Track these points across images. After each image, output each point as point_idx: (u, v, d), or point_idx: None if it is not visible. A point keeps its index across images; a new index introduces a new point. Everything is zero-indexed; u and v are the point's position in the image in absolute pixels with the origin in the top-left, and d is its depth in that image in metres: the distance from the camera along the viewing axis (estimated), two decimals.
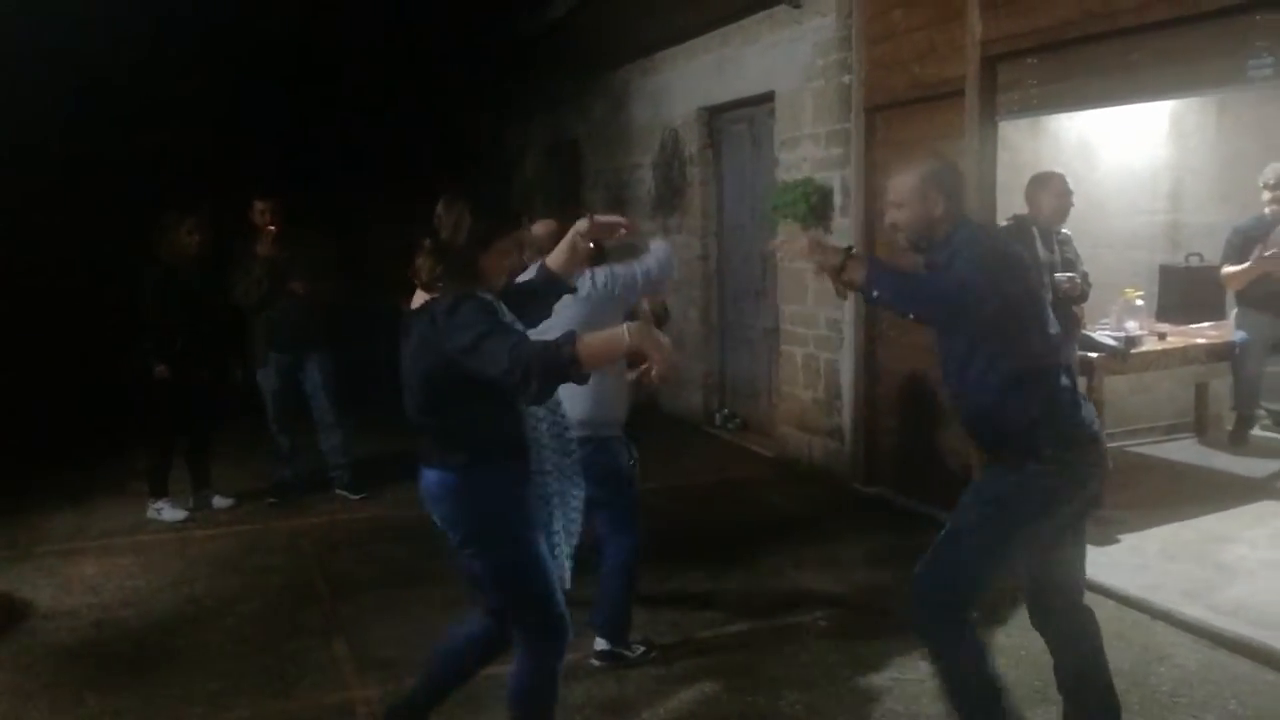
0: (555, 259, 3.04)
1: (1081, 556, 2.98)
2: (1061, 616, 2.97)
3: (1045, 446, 2.73)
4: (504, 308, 2.71)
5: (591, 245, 3.07)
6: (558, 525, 2.86)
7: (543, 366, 2.36)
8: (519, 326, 2.67)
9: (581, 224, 3.04)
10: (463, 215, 2.67)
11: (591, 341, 2.39)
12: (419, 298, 2.73)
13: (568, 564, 2.90)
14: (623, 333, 2.41)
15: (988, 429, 2.86)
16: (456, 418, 2.68)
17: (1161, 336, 5.69)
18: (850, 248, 2.87)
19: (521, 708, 2.84)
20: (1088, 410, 2.85)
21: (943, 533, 2.88)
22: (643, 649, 3.84)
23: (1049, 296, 4.79)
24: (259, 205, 5.94)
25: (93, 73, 8.83)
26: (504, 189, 10.30)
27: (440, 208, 2.72)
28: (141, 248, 5.72)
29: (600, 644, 3.78)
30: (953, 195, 2.82)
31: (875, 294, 2.73)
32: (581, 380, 2.46)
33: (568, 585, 2.90)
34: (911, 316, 2.95)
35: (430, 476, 2.74)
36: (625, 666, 3.76)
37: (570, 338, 2.38)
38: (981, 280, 2.66)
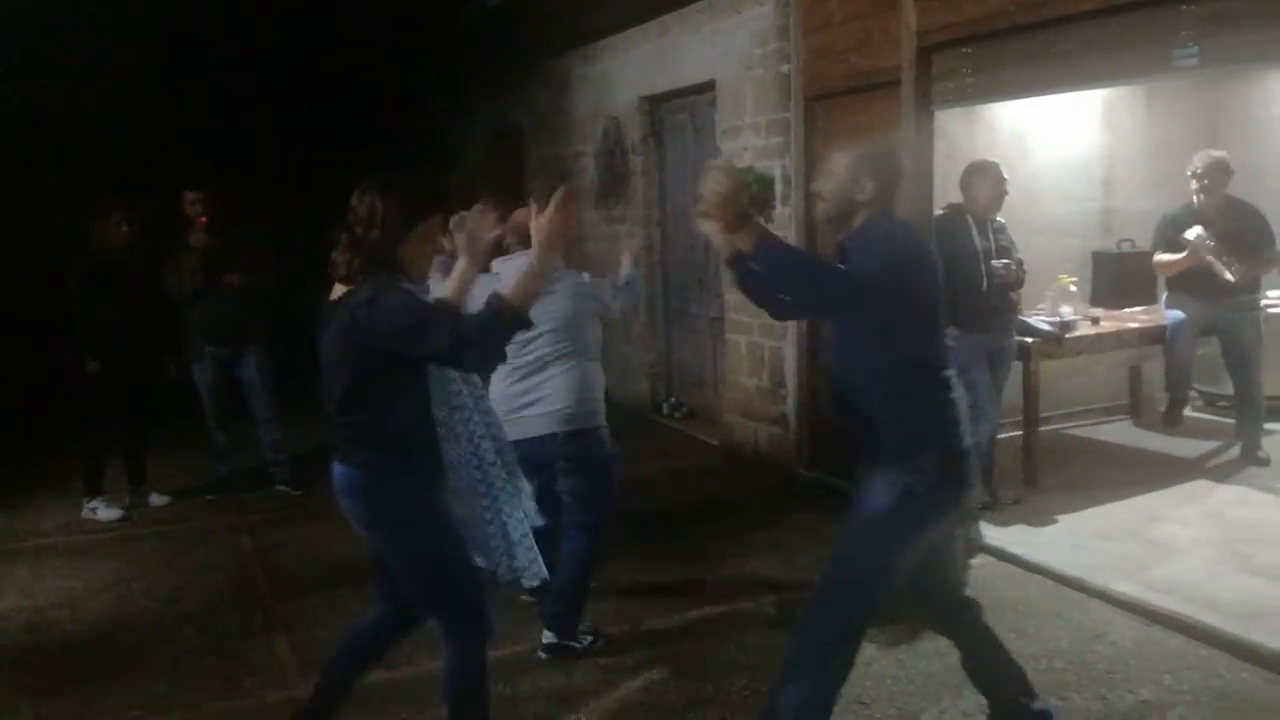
0: (513, 289, 2.58)
1: (955, 553, 3.02)
2: (952, 613, 2.99)
3: (931, 460, 2.67)
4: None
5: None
6: (505, 516, 2.84)
7: (484, 324, 2.46)
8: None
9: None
10: (374, 205, 2.59)
11: (513, 288, 2.52)
12: (337, 290, 2.68)
13: (526, 556, 2.90)
14: (530, 262, 2.57)
15: (871, 433, 2.75)
16: (368, 415, 2.66)
17: (1095, 321, 5.81)
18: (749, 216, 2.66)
19: (453, 701, 2.84)
20: (967, 419, 2.78)
21: (831, 557, 2.80)
22: (590, 638, 3.84)
23: (983, 285, 4.89)
24: (189, 196, 5.82)
25: (32, 66, 8.57)
26: (422, 172, 10.15)
27: (354, 199, 2.65)
28: (73, 241, 5.58)
29: (548, 637, 3.76)
30: (883, 185, 2.75)
31: (753, 265, 2.67)
32: (525, 325, 2.55)
33: (527, 580, 2.89)
34: (786, 298, 2.87)
35: (338, 470, 2.72)
36: (573, 657, 3.76)
37: (494, 298, 2.50)
38: (884, 281, 2.59)
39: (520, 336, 2.84)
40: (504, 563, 2.90)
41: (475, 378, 3.00)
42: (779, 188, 6.16)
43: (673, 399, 7.88)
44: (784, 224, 6.11)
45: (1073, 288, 5.74)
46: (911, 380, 2.70)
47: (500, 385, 3.69)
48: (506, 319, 2.49)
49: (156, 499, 5.91)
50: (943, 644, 3.25)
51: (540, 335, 3.57)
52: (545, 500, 3.44)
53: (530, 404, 3.66)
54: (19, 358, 7.74)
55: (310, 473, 6.17)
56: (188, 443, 6.51)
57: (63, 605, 4.49)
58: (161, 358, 5.79)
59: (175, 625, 4.25)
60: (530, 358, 3.65)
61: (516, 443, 3.28)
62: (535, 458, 3.56)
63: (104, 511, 5.69)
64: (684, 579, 4.55)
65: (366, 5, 9.38)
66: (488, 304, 2.49)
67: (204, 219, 5.78)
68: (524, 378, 3.68)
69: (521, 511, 3.00)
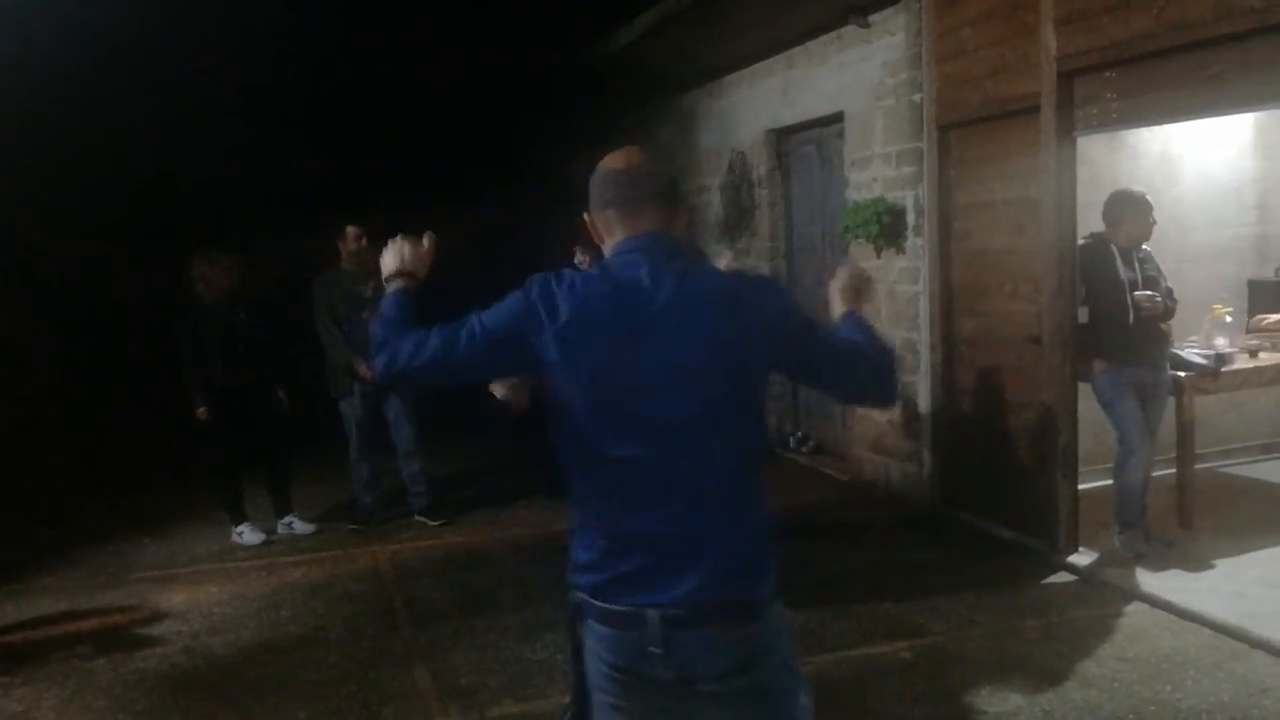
0: None
1: None
2: None
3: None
4: None
5: None
6: None
7: None
8: None
9: None
10: None
11: None
12: None
13: None
14: None
15: None
16: None
17: (1253, 353, 5.50)
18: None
19: None
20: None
21: None
22: None
23: (1129, 316, 4.67)
24: (353, 230, 6.06)
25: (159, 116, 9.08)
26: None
27: None
28: (185, 286, 5.84)
29: None
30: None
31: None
32: None
33: None
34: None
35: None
36: None
37: None
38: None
39: None
40: None
41: None
42: (910, 218, 6.07)
43: (800, 433, 7.79)
44: (917, 253, 6.01)
45: (1228, 318, 5.45)
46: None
47: None
48: None
49: (302, 527, 6.15)
50: None
51: None
52: None
53: None
54: (167, 390, 8.18)
55: (447, 503, 6.35)
56: (331, 473, 6.76)
57: (216, 630, 4.70)
58: (272, 391, 5.98)
59: (320, 652, 4.40)
60: None
61: None
62: None
63: (249, 535, 5.97)
64: (816, 620, 4.46)
65: (489, 49, 9.64)
66: None
67: (364, 245, 6.00)
68: None
69: None
